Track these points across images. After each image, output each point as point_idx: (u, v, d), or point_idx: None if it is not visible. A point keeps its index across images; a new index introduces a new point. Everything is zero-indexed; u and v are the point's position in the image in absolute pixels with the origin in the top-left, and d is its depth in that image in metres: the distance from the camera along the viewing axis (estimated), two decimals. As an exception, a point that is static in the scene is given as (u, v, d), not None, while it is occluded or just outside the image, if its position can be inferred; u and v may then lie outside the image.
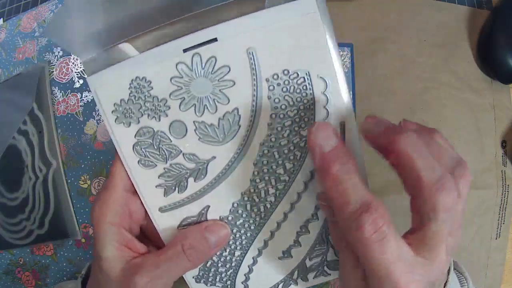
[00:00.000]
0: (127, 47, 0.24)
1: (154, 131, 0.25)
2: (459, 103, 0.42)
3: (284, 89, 0.24)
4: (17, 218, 0.45)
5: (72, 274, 0.44)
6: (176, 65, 0.23)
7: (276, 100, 0.24)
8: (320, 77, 0.23)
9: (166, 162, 0.25)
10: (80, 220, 0.44)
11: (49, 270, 0.45)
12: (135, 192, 0.26)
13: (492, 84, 0.43)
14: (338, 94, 0.23)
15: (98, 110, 0.25)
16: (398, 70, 0.42)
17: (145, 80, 0.24)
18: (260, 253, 0.27)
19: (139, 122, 0.25)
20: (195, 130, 0.24)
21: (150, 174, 0.25)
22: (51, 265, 0.44)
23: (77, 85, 0.45)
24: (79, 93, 0.45)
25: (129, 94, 0.24)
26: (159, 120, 0.24)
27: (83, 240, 0.44)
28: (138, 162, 0.25)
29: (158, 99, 0.24)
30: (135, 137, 0.25)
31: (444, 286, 0.24)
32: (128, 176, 0.25)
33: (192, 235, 0.25)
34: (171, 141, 0.25)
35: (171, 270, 0.25)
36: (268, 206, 0.26)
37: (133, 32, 0.24)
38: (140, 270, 0.24)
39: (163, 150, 0.25)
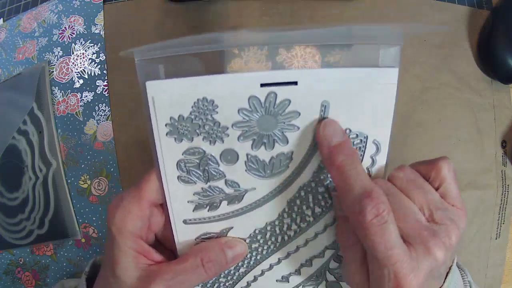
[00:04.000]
0: (194, 62, 0.23)
1: (204, 153, 0.24)
2: (459, 103, 0.42)
3: None
4: (17, 218, 0.45)
5: (72, 274, 0.44)
6: (249, 98, 0.23)
7: None
8: (375, 142, 0.24)
9: (206, 183, 0.25)
10: (80, 220, 0.44)
11: (49, 270, 0.45)
12: (159, 205, 0.26)
13: (492, 84, 0.43)
14: (382, 158, 0.24)
15: (150, 120, 0.23)
16: (398, 70, 0.42)
17: (212, 103, 0.23)
18: (262, 273, 0.28)
19: (192, 140, 0.24)
20: (245, 162, 0.24)
21: (186, 190, 0.25)
22: (51, 265, 0.44)
23: (77, 85, 0.45)
24: (79, 93, 0.45)
25: (191, 112, 0.23)
26: (214, 144, 0.24)
27: (83, 240, 0.44)
28: (178, 178, 0.25)
29: (219, 125, 0.23)
30: (182, 154, 0.24)
31: (446, 276, 0.24)
32: (158, 191, 0.25)
33: (212, 249, 0.25)
34: (218, 165, 0.24)
35: (187, 281, 0.25)
36: (286, 238, 0.27)
37: (203, 48, 0.22)
38: (157, 279, 0.24)
39: (207, 172, 0.25)
